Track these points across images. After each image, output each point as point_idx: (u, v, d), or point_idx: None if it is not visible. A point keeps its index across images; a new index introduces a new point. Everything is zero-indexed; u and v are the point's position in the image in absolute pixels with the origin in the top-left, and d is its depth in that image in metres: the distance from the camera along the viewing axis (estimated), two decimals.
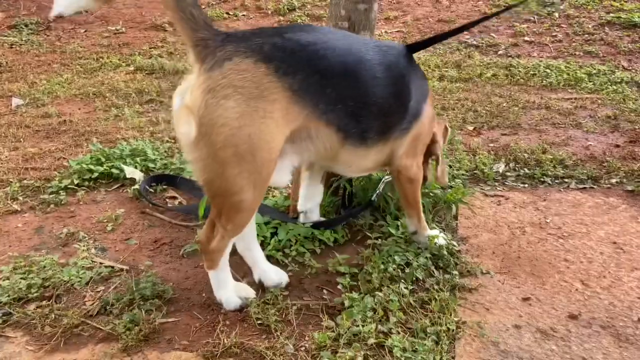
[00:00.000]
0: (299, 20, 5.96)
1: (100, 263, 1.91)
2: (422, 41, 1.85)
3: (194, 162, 1.48)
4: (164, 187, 2.52)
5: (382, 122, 1.70)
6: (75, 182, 2.51)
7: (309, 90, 1.52)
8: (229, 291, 1.66)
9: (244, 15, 6.33)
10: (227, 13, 6.38)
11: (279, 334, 1.54)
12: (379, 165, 1.84)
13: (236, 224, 1.57)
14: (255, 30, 1.54)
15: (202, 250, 1.63)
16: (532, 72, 4.36)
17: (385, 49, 1.73)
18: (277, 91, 1.46)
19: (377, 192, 2.11)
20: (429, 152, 2.03)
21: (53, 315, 1.62)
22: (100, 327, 1.58)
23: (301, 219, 2.09)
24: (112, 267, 1.89)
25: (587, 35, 5.20)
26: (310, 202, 2.07)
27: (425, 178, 2.16)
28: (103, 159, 2.65)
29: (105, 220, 2.22)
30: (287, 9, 6.34)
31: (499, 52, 5.00)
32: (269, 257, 1.88)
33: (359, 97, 1.62)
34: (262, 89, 1.44)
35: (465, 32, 5.49)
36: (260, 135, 1.45)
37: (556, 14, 5.69)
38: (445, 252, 1.91)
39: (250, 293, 1.70)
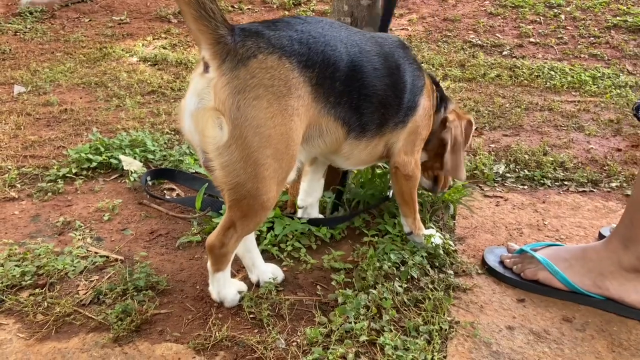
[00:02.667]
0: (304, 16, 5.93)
1: (95, 252, 1.90)
2: None
3: (221, 166, 1.40)
4: (163, 180, 2.52)
5: (381, 114, 1.69)
6: (74, 171, 2.51)
7: (324, 84, 1.51)
8: (232, 290, 1.65)
9: (249, 8, 6.31)
10: (232, 6, 6.36)
11: (271, 328, 1.54)
12: (375, 158, 1.84)
13: (257, 222, 1.55)
14: (264, 23, 1.49)
15: (214, 254, 1.56)
16: (536, 74, 4.34)
17: (380, 40, 1.73)
18: (301, 87, 1.45)
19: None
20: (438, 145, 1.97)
21: (46, 304, 1.62)
22: (92, 317, 1.57)
23: (299, 214, 2.07)
24: (107, 256, 1.88)
25: (592, 38, 5.18)
26: (310, 197, 2.06)
27: (435, 179, 2.11)
28: (102, 149, 2.65)
29: (102, 210, 2.21)
30: (293, 3, 6.32)
31: (504, 53, 4.98)
32: (265, 252, 1.88)
33: (362, 89, 1.61)
34: (289, 85, 1.42)
35: (470, 32, 5.48)
36: (290, 134, 1.44)
37: (562, 16, 5.66)
38: (441, 252, 1.90)
39: (243, 287, 1.70)
